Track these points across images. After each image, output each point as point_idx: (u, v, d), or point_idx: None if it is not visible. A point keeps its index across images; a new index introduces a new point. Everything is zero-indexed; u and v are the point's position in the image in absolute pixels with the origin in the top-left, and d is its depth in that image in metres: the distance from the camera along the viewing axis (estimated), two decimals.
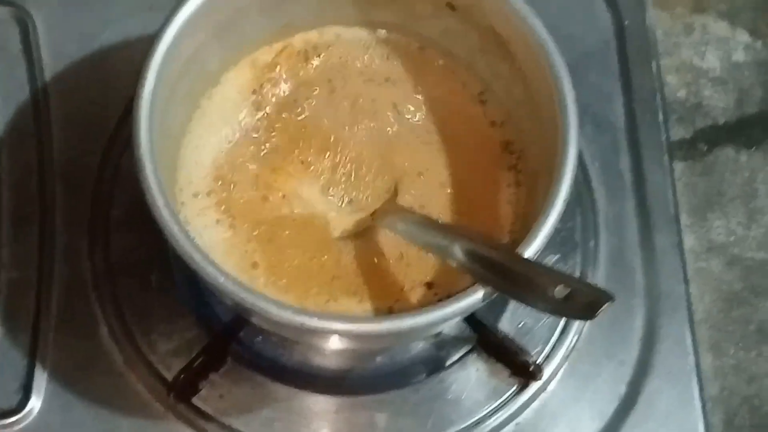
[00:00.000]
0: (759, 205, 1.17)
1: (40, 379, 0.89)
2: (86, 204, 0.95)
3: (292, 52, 0.88)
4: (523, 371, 0.90)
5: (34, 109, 0.98)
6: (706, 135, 1.21)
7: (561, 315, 0.87)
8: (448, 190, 0.85)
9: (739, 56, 1.25)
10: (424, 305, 0.76)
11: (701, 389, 0.94)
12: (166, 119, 0.76)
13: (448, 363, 0.92)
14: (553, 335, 0.93)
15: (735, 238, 1.16)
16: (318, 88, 0.87)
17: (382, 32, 0.89)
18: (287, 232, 0.82)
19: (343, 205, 0.84)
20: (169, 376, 0.89)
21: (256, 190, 0.83)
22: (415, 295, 0.81)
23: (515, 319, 0.93)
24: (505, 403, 0.91)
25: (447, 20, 0.84)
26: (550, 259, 0.95)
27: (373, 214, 0.84)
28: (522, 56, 0.80)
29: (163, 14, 0.76)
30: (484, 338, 0.91)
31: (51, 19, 1.02)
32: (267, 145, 0.85)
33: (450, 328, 0.92)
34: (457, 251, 0.71)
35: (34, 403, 0.89)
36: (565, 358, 0.93)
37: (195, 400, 0.89)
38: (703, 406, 0.94)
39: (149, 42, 0.74)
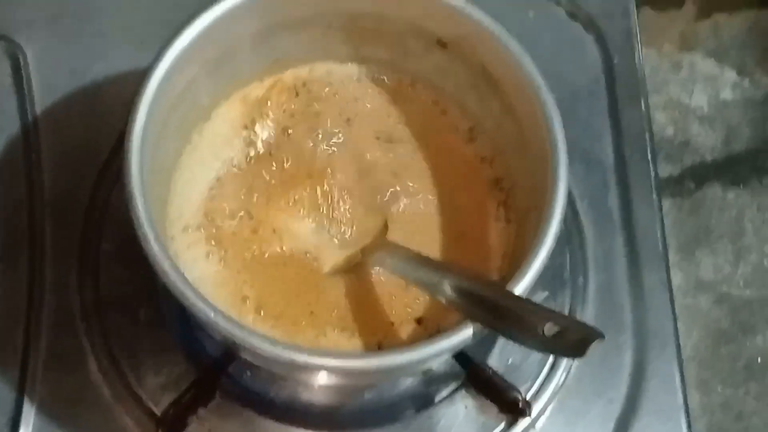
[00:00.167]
0: (746, 243, 1.18)
1: (29, 413, 0.89)
2: (75, 238, 0.95)
3: (283, 88, 0.89)
4: (512, 408, 0.90)
5: (25, 142, 0.98)
6: (694, 172, 1.21)
7: (550, 352, 0.87)
8: (438, 226, 0.85)
9: (726, 94, 1.25)
10: (413, 341, 0.77)
11: (689, 426, 0.94)
12: (157, 154, 0.76)
13: (437, 399, 0.92)
14: (542, 372, 0.93)
15: (723, 276, 1.16)
16: (309, 124, 0.88)
17: (374, 68, 0.90)
18: (277, 267, 0.82)
19: (333, 240, 0.84)
20: (158, 410, 0.88)
21: (247, 225, 0.83)
22: (405, 331, 0.81)
23: (504, 356, 0.93)
24: None
25: (437, 57, 0.85)
26: (540, 296, 0.95)
27: (362, 249, 0.84)
28: (512, 93, 0.80)
29: (155, 49, 0.76)
30: (473, 374, 0.91)
31: (42, 53, 1.02)
32: (257, 180, 0.85)
33: (439, 364, 0.92)
34: (447, 287, 0.71)
35: None
36: (554, 394, 0.93)
37: None
38: None
39: (140, 76, 0.75)
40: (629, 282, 0.97)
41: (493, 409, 0.91)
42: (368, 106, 0.89)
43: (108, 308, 0.92)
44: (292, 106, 0.88)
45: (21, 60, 1.01)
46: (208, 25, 0.77)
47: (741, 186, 1.20)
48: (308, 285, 0.82)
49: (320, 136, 0.87)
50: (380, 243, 0.83)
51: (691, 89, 1.26)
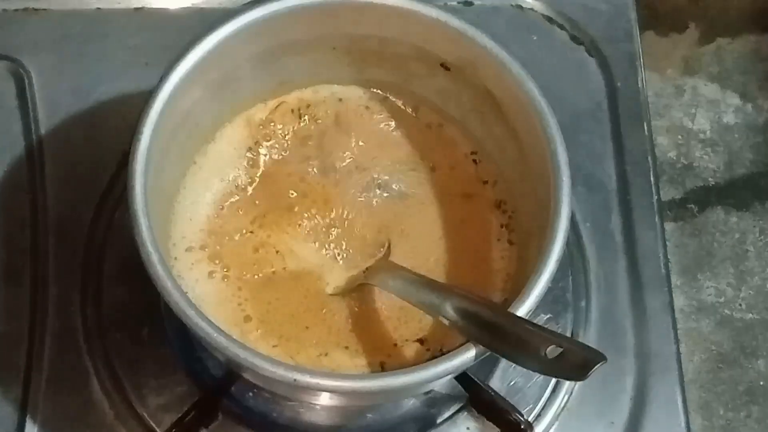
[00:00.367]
0: (749, 266, 1.18)
1: None
2: (78, 258, 0.95)
3: (287, 110, 0.89)
4: (514, 430, 0.90)
5: (29, 162, 0.99)
6: (696, 196, 1.22)
7: (552, 375, 0.86)
8: (441, 248, 0.85)
9: (729, 118, 1.26)
10: (416, 361, 0.77)
11: None
12: (160, 175, 0.76)
13: (439, 421, 0.91)
14: (544, 394, 0.93)
15: (725, 299, 1.16)
16: (312, 146, 0.88)
17: (377, 91, 0.90)
18: (280, 287, 0.82)
19: (336, 261, 0.84)
20: (160, 430, 0.88)
21: (250, 246, 0.84)
22: (408, 351, 0.81)
23: (506, 378, 0.93)
24: None
25: (441, 80, 0.85)
26: (542, 319, 0.95)
27: (365, 270, 0.84)
28: (515, 116, 0.80)
29: (159, 70, 0.76)
30: (475, 396, 0.91)
31: (47, 74, 1.03)
32: (261, 201, 0.85)
33: (441, 385, 0.92)
34: (449, 309, 0.72)
35: None
36: (556, 417, 0.93)
37: None
38: None
39: (145, 98, 0.75)
40: (631, 305, 0.97)
41: (495, 431, 0.91)
42: (372, 128, 0.89)
43: (111, 328, 0.92)
44: (296, 128, 0.89)
45: (26, 81, 1.02)
46: (212, 47, 0.78)
47: (743, 210, 1.21)
48: (311, 305, 0.82)
49: (324, 158, 0.88)
50: (383, 264, 0.84)
51: (694, 113, 1.26)
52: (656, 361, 0.96)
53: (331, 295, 0.83)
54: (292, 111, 0.89)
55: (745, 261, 1.18)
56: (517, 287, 0.73)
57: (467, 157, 0.89)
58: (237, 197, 0.85)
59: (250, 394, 0.90)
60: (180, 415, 0.87)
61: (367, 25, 0.83)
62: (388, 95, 0.90)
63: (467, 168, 0.88)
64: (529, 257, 0.77)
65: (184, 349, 0.91)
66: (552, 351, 0.63)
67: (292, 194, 0.86)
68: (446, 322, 0.72)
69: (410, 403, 0.92)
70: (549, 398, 0.93)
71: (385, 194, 0.87)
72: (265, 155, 0.87)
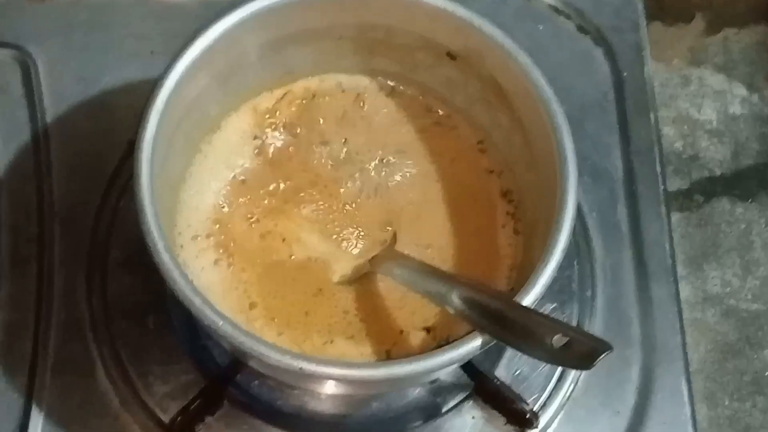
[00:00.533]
0: (755, 256, 1.17)
1: (37, 421, 0.89)
2: (84, 246, 0.95)
3: (293, 99, 0.89)
4: (520, 419, 0.90)
5: (35, 151, 0.99)
6: (702, 186, 1.21)
7: (558, 364, 0.86)
8: (447, 238, 0.85)
9: (735, 109, 1.25)
10: (422, 350, 0.77)
11: None
12: (166, 163, 0.76)
13: (445, 410, 0.92)
14: (549, 383, 0.93)
15: (731, 290, 1.16)
16: (318, 135, 0.88)
17: (383, 80, 0.90)
18: (286, 275, 0.82)
19: (342, 250, 0.84)
20: (166, 418, 0.89)
21: (256, 234, 0.84)
22: (414, 340, 0.81)
23: (512, 367, 0.93)
24: None
25: (447, 69, 0.85)
26: (547, 308, 0.95)
27: (371, 259, 0.84)
28: (522, 106, 0.80)
29: (165, 59, 0.76)
30: (480, 385, 0.91)
31: (53, 62, 1.03)
32: (267, 189, 0.86)
33: (446, 374, 0.92)
34: (455, 298, 0.71)
35: None
36: (562, 406, 0.93)
37: None
38: None
39: (151, 86, 0.75)
40: (637, 295, 0.97)
41: (501, 420, 0.91)
42: (378, 117, 0.89)
43: (116, 316, 0.92)
44: (302, 117, 0.89)
45: (32, 69, 1.02)
46: (218, 36, 0.78)
47: (749, 200, 1.20)
48: (317, 293, 0.82)
49: (330, 147, 0.88)
50: (389, 253, 0.84)
51: (700, 104, 1.25)
52: (662, 350, 0.96)
53: (337, 283, 0.83)
54: (299, 100, 0.89)
55: (751, 251, 1.17)
56: (523, 277, 0.73)
57: (473, 147, 0.89)
58: (242, 185, 0.85)
59: (256, 382, 0.90)
60: (185, 403, 0.88)
61: (374, 15, 0.83)
62: (395, 85, 0.90)
63: (473, 157, 0.88)
64: (535, 247, 0.77)
65: (190, 337, 0.91)
66: (558, 340, 0.63)
67: (298, 182, 0.86)
68: (452, 311, 0.72)
69: (416, 392, 0.92)
70: (554, 388, 0.93)
71: (391, 183, 0.87)
72: (271, 144, 0.87)
